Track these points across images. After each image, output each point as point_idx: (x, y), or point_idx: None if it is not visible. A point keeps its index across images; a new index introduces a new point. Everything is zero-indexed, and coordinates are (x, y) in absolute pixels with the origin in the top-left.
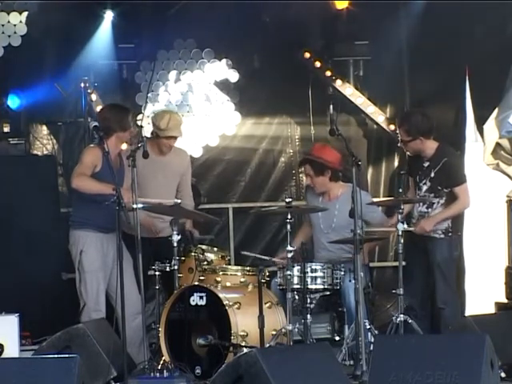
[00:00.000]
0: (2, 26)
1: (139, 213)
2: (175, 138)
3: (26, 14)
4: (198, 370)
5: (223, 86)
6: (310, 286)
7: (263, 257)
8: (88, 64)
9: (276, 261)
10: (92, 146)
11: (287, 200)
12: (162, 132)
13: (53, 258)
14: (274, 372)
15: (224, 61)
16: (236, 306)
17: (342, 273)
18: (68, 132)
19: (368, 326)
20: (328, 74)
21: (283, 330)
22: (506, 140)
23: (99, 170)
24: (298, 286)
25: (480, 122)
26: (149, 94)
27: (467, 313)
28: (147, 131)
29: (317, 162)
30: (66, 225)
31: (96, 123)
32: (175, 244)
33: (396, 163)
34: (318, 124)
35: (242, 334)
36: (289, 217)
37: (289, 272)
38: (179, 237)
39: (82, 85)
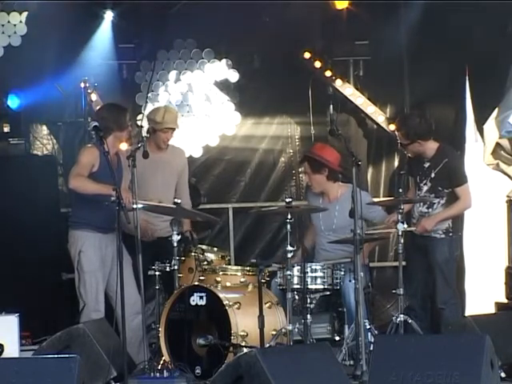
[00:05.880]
0: (2, 26)
1: (139, 214)
2: (172, 130)
3: (25, 13)
4: (198, 370)
5: (223, 85)
6: (310, 286)
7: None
8: (88, 64)
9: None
10: (89, 145)
11: (287, 200)
12: (158, 125)
13: (53, 258)
14: (274, 372)
15: (224, 61)
16: (236, 306)
17: (342, 273)
18: (68, 132)
19: (368, 326)
20: (328, 74)
21: (283, 330)
22: (506, 140)
23: (97, 169)
24: (298, 286)
25: (480, 122)
26: (149, 94)
27: (467, 313)
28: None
29: (315, 159)
30: (66, 225)
31: (96, 123)
32: (175, 244)
33: (396, 163)
34: (318, 124)
35: (241, 334)
36: (289, 217)
37: (289, 272)
38: (179, 237)
39: (82, 85)
